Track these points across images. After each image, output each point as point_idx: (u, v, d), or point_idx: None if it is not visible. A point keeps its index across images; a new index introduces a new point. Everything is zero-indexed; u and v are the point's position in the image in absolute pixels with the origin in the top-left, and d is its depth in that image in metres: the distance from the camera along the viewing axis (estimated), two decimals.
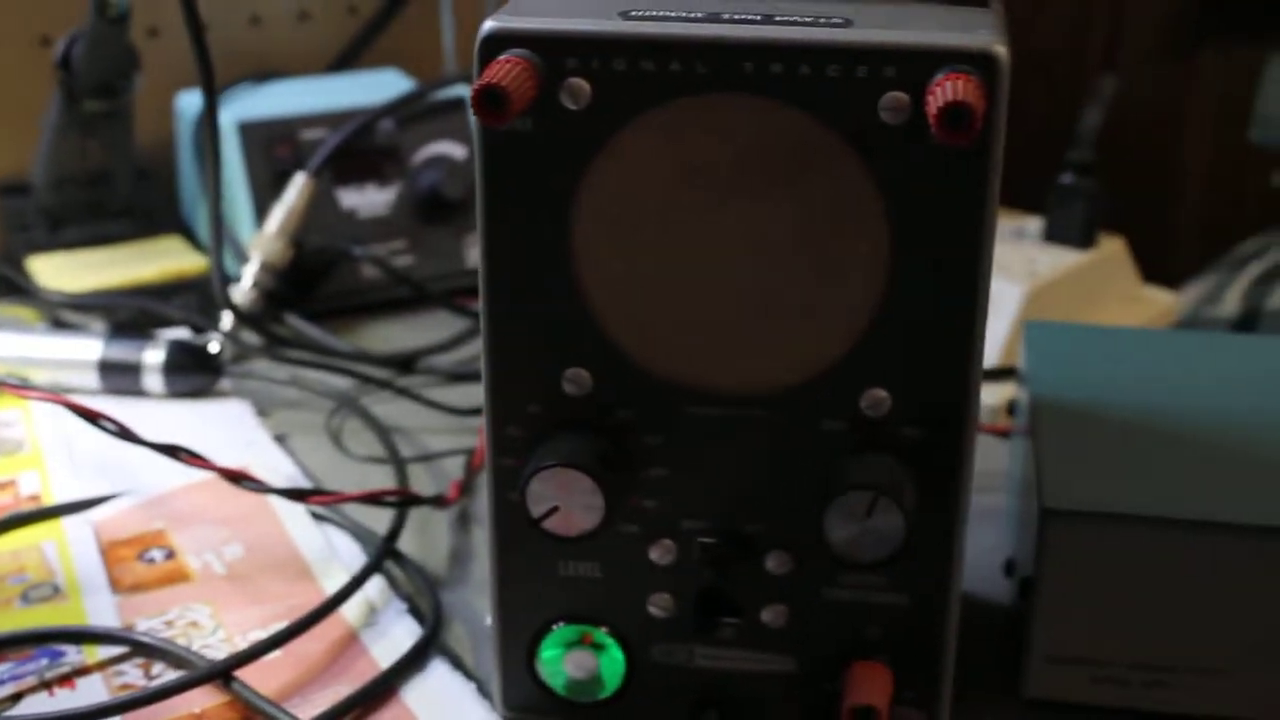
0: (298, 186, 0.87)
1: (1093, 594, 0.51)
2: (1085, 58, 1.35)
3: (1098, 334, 0.67)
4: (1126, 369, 0.62)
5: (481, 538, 0.65)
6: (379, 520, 0.64)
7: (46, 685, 0.54)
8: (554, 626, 0.50)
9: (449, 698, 0.53)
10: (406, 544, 0.63)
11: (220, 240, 0.80)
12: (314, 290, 0.88)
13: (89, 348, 0.77)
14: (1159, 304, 0.93)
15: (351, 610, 0.58)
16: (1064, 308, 0.85)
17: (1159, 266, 1.03)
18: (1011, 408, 0.70)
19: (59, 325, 0.85)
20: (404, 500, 0.64)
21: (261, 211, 0.88)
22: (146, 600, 0.59)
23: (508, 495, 0.49)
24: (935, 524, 0.46)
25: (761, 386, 0.46)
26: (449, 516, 0.67)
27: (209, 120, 0.76)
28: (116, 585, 0.60)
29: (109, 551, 0.63)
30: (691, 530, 0.48)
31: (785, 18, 0.43)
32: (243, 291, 0.84)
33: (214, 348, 0.78)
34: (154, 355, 0.77)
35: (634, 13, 0.44)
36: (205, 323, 0.83)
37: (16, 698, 0.53)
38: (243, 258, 0.86)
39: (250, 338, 0.83)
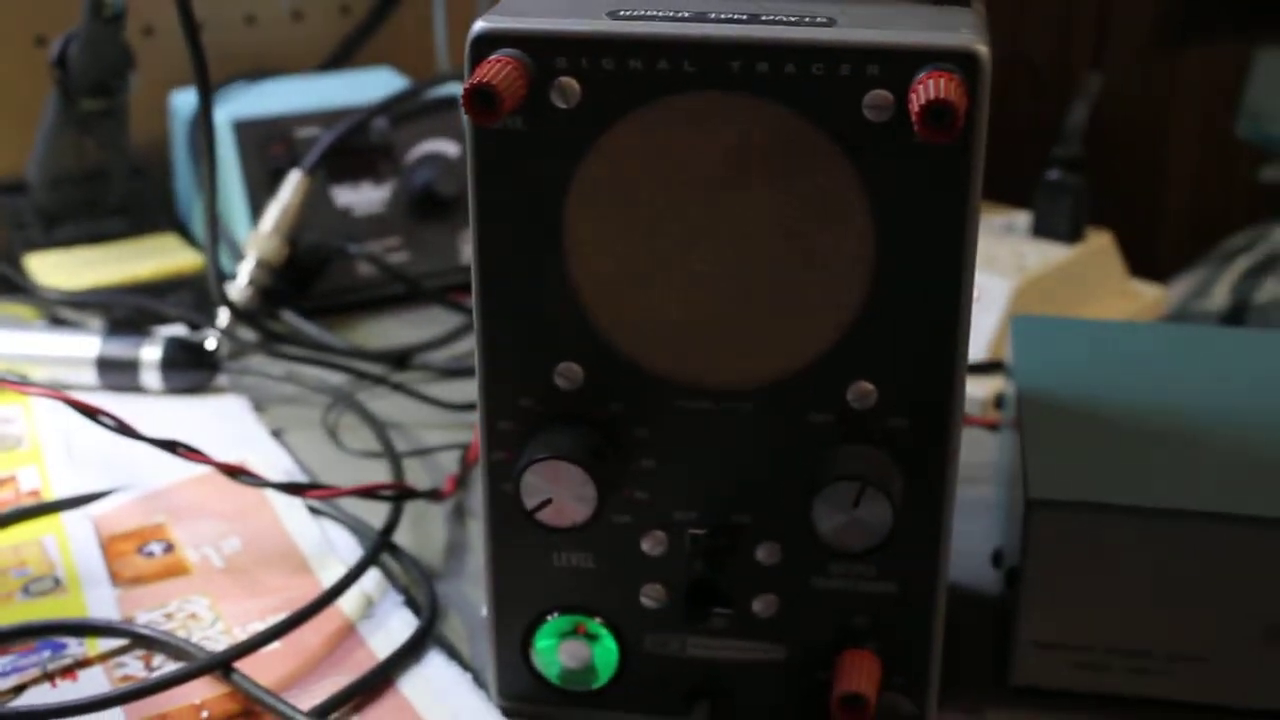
0: (292, 184, 0.88)
1: (1077, 582, 0.52)
2: (1072, 55, 1.36)
3: (1084, 327, 0.68)
4: (1112, 362, 0.63)
5: (476, 531, 0.65)
6: (375, 514, 0.65)
7: (49, 677, 0.54)
8: (548, 617, 0.51)
9: (445, 688, 0.54)
10: (403, 537, 0.64)
11: (216, 238, 0.80)
12: (309, 287, 0.89)
13: (87, 345, 0.78)
14: (1147, 297, 0.94)
15: (349, 602, 0.59)
16: (1053, 301, 0.86)
17: (1148, 260, 1.04)
18: (999, 401, 0.71)
19: (56, 323, 0.86)
20: (400, 494, 0.64)
21: (256, 209, 0.89)
22: (146, 593, 0.60)
23: (502, 488, 0.49)
24: (922, 513, 0.47)
25: (750, 380, 0.47)
26: (444, 510, 0.67)
27: (204, 119, 0.77)
28: (116, 578, 0.61)
29: (109, 545, 0.63)
30: (682, 521, 0.49)
31: (771, 17, 0.44)
32: (239, 289, 0.85)
33: (211, 344, 0.79)
34: (151, 352, 0.78)
35: (622, 13, 0.45)
36: (202, 320, 0.84)
37: (19, 689, 0.54)
38: (238, 255, 0.87)
39: (247, 334, 0.84)
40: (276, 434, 0.75)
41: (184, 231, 0.97)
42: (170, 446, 0.61)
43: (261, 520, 0.65)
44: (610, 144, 0.45)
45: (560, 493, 0.47)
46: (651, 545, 0.49)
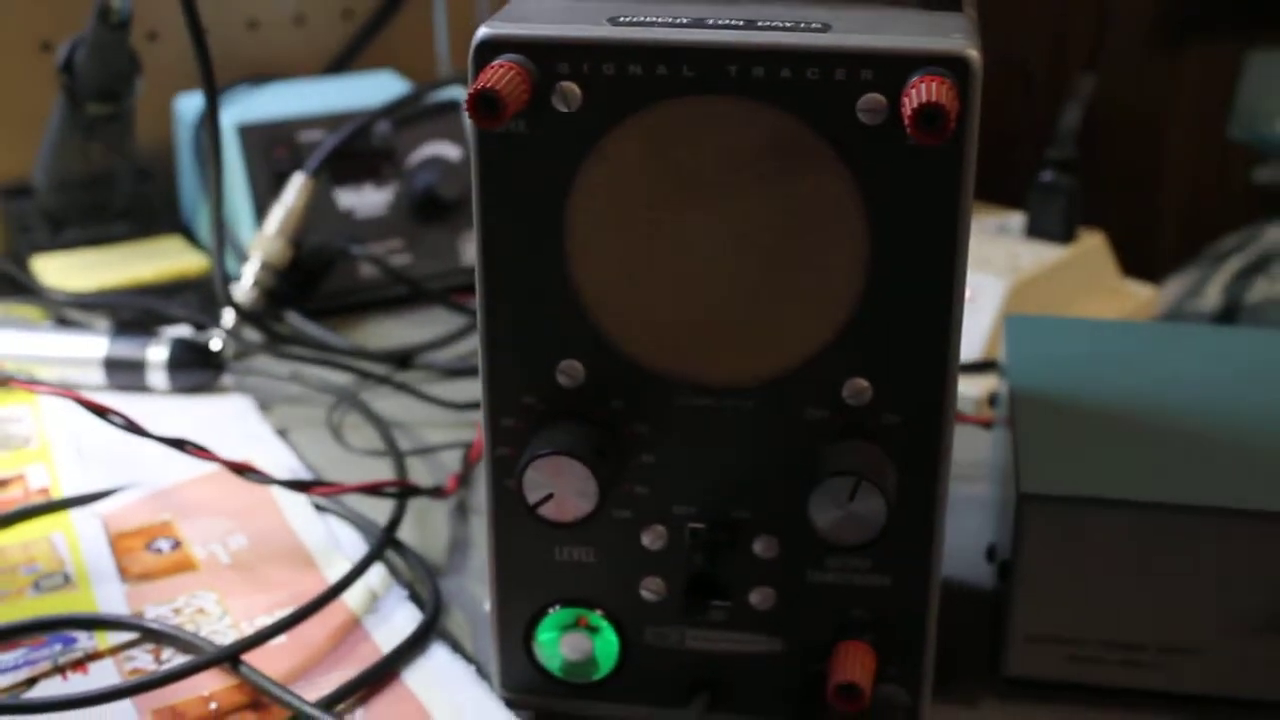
0: (296, 187, 0.89)
1: (1069, 575, 0.53)
2: (1066, 57, 1.37)
3: (1076, 326, 0.69)
4: (1104, 360, 0.64)
5: (479, 527, 0.66)
6: (379, 511, 0.66)
7: (60, 670, 0.55)
8: (550, 610, 0.52)
9: (449, 680, 0.55)
10: (406, 534, 0.65)
11: (222, 240, 0.81)
12: (313, 288, 0.90)
13: (94, 345, 0.79)
14: (1140, 298, 0.95)
15: (354, 597, 0.60)
16: (1046, 301, 0.87)
17: (1143, 261, 1.05)
18: (993, 399, 0.72)
19: (63, 324, 0.87)
20: (404, 491, 0.65)
21: (261, 212, 0.90)
22: (154, 588, 0.61)
23: (505, 483, 0.50)
24: (916, 508, 0.48)
25: (747, 377, 0.48)
26: (447, 507, 0.68)
27: (211, 122, 0.78)
28: (125, 574, 0.62)
29: (117, 542, 0.65)
30: (682, 516, 0.50)
31: (767, 23, 0.45)
32: (244, 290, 0.86)
33: (216, 345, 0.80)
34: (158, 352, 0.79)
35: (622, 19, 0.46)
36: (207, 321, 0.85)
37: (31, 682, 0.55)
38: (243, 257, 0.88)
39: (251, 335, 0.85)
40: (281, 433, 0.76)
41: (188, 234, 0.98)
42: (178, 444, 0.62)
43: (267, 517, 0.66)
44: (611, 147, 0.46)
45: (562, 488, 0.48)
46: (651, 539, 0.50)
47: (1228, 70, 1.29)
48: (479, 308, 0.49)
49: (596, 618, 0.52)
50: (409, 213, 0.94)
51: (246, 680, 0.54)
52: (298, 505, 0.67)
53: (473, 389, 0.80)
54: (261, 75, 1.03)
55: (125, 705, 0.53)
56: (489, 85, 0.43)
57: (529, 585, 0.52)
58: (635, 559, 0.51)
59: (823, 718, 0.51)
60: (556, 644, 0.52)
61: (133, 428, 0.63)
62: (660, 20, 0.46)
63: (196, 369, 0.79)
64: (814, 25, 0.45)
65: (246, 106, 0.95)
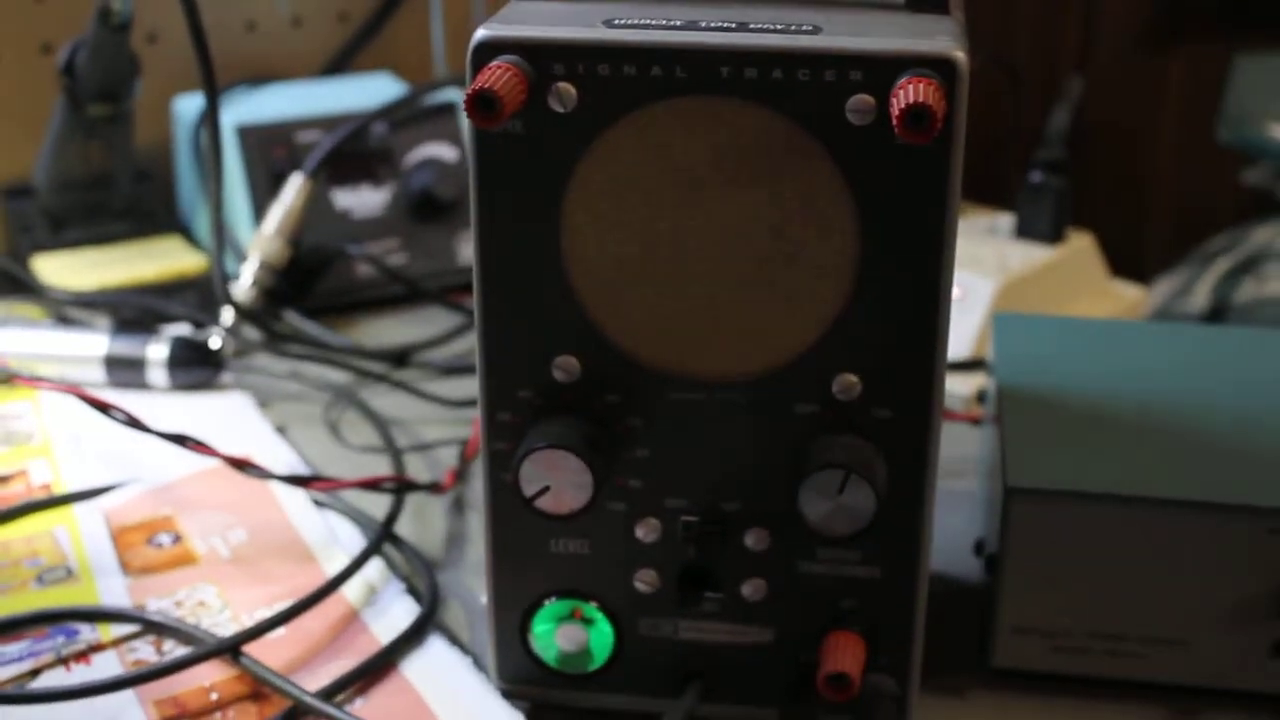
0: (294, 187, 0.90)
1: (1054, 568, 0.54)
2: (1056, 59, 1.38)
3: (1063, 325, 0.70)
4: (1090, 358, 0.65)
5: (475, 523, 0.67)
6: (377, 507, 0.67)
7: (63, 661, 0.56)
8: (546, 601, 0.53)
9: (447, 671, 0.56)
10: (403, 529, 0.66)
11: (222, 239, 0.82)
12: (311, 288, 0.91)
13: (95, 343, 0.80)
14: (1128, 298, 0.96)
15: (352, 590, 0.61)
16: (1036, 301, 0.88)
17: (1131, 262, 1.06)
18: (981, 396, 0.73)
19: (64, 322, 0.88)
20: (401, 487, 0.66)
21: (259, 211, 0.91)
22: (156, 582, 0.62)
23: (501, 477, 0.51)
24: (904, 500, 0.49)
25: (739, 372, 0.49)
26: (444, 503, 0.69)
27: (212, 123, 0.79)
28: (127, 568, 0.63)
29: (119, 536, 0.65)
30: (675, 509, 0.51)
31: (759, 25, 0.46)
32: (243, 289, 0.87)
33: (215, 343, 0.81)
34: (158, 350, 0.80)
35: (617, 21, 0.47)
36: (207, 319, 0.86)
37: (35, 673, 0.56)
38: (241, 256, 0.89)
39: (250, 333, 0.86)
40: (280, 430, 0.77)
41: (186, 234, 0.99)
42: (179, 440, 0.63)
43: (267, 512, 0.67)
44: (606, 146, 0.47)
45: (558, 481, 0.49)
46: (645, 532, 0.51)
47: (1216, 73, 1.30)
48: (477, 304, 0.50)
49: (591, 609, 0.53)
50: (406, 213, 0.95)
51: (247, 671, 0.55)
52: (297, 500, 0.68)
53: (468, 387, 0.81)
54: (259, 77, 1.04)
55: (128, 695, 0.54)
56: (487, 86, 0.44)
57: (525, 577, 0.53)
58: (629, 551, 0.52)
59: (813, 707, 0.52)
60: (552, 635, 0.53)
61: (135, 423, 0.64)
62: (654, 23, 0.46)
63: (196, 367, 0.80)
64: (805, 28, 0.46)
65: (245, 108, 0.96)
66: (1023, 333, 0.67)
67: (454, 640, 0.58)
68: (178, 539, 0.65)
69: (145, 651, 0.57)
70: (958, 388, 0.78)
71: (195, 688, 0.55)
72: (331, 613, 0.59)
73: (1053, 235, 0.93)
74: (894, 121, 0.43)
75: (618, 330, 0.49)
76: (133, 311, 0.88)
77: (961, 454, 0.71)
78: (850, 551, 0.51)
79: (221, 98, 0.96)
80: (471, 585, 0.62)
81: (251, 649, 0.56)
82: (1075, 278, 0.93)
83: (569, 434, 0.49)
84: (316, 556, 0.64)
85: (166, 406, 0.78)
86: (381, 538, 0.63)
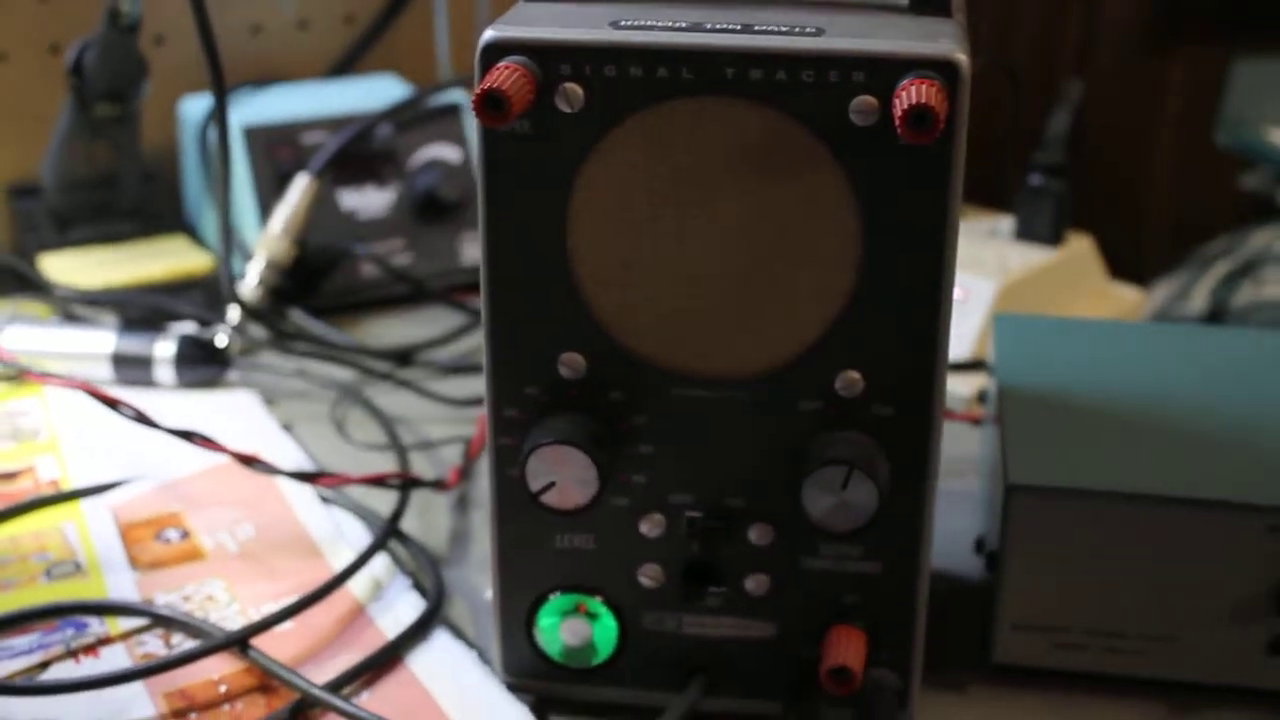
0: (300, 188, 0.90)
1: (1054, 565, 0.55)
2: (1056, 62, 1.39)
3: (1063, 326, 0.70)
4: (1089, 358, 0.65)
5: (480, 520, 0.68)
6: (383, 504, 0.67)
7: (72, 654, 0.57)
8: (551, 596, 0.53)
9: (452, 665, 0.57)
10: (409, 525, 0.66)
11: (229, 239, 0.83)
12: (317, 287, 0.92)
13: (102, 341, 0.81)
14: (1127, 300, 0.96)
15: (358, 585, 0.61)
16: (1035, 303, 0.88)
17: (1130, 265, 1.07)
18: (982, 397, 0.73)
19: (72, 320, 0.88)
20: (406, 483, 0.67)
21: (265, 212, 0.91)
22: (164, 577, 0.63)
23: (508, 472, 0.52)
24: (906, 496, 0.50)
25: (743, 369, 0.49)
26: (449, 500, 0.70)
27: (220, 124, 0.79)
28: (135, 563, 0.64)
29: (127, 532, 0.66)
30: (679, 504, 0.51)
31: (763, 27, 0.47)
32: (249, 288, 0.88)
33: (222, 341, 0.82)
34: (165, 348, 0.80)
35: (624, 23, 0.47)
36: (213, 317, 0.86)
37: (44, 665, 0.56)
38: (248, 256, 0.90)
39: (257, 332, 0.86)
40: (286, 427, 0.77)
41: (192, 233, 1.00)
42: (187, 436, 0.64)
43: (274, 508, 0.68)
44: (611, 146, 0.47)
45: (563, 476, 0.49)
46: (649, 527, 0.52)
47: (1215, 76, 1.31)
48: (483, 302, 0.50)
49: (596, 604, 0.53)
50: (410, 213, 0.95)
51: (255, 664, 0.55)
52: (303, 496, 0.69)
53: (472, 386, 0.81)
54: (265, 78, 1.04)
55: (137, 687, 0.54)
56: (495, 86, 0.45)
57: (530, 572, 0.53)
58: (634, 546, 0.52)
59: (816, 701, 0.53)
60: (557, 629, 0.54)
61: (143, 419, 0.64)
62: (660, 24, 0.47)
63: (203, 364, 0.81)
64: (809, 30, 0.47)
65: (251, 109, 0.97)
66: (1023, 334, 0.68)
67: (459, 634, 0.59)
68: (186, 534, 0.66)
69: (154, 645, 0.58)
70: (958, 388, 0.79)
71: (204, 680, 0.55)
72: (338, 607, 0.60)
73: (1052, 237, 0.93)
74: (897, 122, 0.43)
75: (623, 328, 0.49)
76: (139, 310, 0.88)
77: (962, 454, 0.71)
78: (853, 547, 0.51)
79: (228, 99, 0.97)
80: (476, 581, 0.63)
81: (259, 642, 0.56)
82: (1075, 280, 0.94)
83: (575, 430, 0.49)
84: (323, 552, 0.65)
85: (173, 404, 0.79)
86: (387, 534, 0.64)
